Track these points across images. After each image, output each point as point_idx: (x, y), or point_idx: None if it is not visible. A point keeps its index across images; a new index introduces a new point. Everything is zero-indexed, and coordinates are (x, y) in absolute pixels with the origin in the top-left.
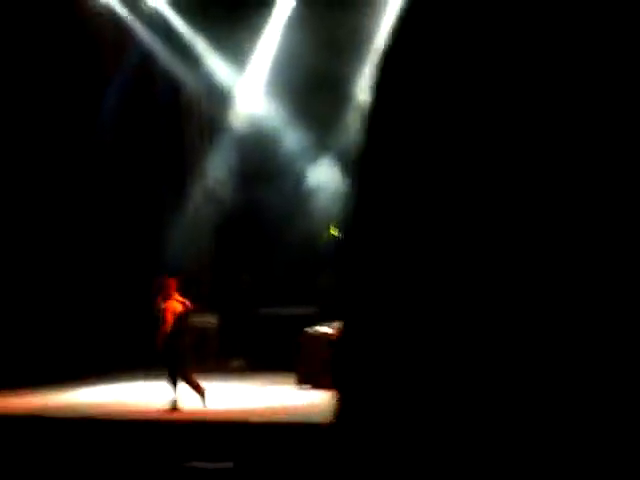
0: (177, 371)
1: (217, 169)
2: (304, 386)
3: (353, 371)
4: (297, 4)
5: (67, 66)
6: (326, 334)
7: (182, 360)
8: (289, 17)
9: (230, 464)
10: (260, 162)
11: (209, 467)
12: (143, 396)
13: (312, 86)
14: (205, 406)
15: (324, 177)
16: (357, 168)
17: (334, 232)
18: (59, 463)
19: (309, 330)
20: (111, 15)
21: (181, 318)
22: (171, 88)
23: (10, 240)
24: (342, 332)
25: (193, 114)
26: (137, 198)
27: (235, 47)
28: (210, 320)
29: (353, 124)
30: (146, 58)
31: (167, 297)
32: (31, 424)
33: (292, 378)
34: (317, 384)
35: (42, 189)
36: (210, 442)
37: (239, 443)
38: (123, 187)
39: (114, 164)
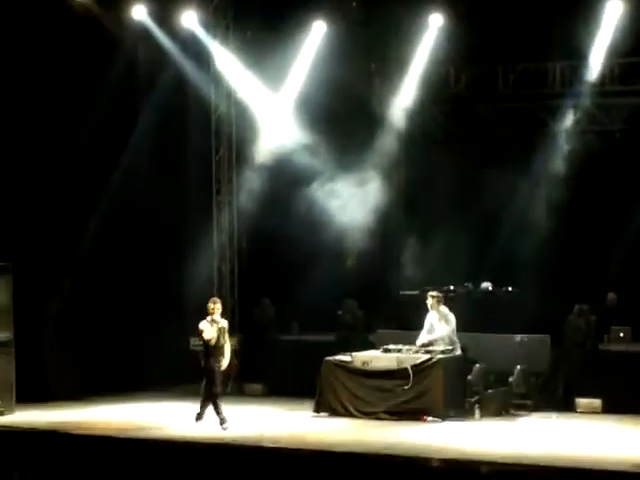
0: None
1: (245, 193)
2: (321, 414)
3: None
4: (330, 30)
5: (102, 86)
6: (346, 363)
7: None
8: (323, 41)
9: None
10: (287, 186)
11: None
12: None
13: (343, 108)
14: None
15: (352, 201)
16: None
17: (353, 259)
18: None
19: (329, 358)
20: (145, 35)
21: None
22: (202, 111)
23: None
24: None
25: (223, 137)
26: (164, 218)
27: (268, 70)
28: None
29: (385, 146)
30: (179, 79)
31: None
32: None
33: (310, 405)
34: (334, 412)
35: (71, 207)
36: (223, 465)
37: (252, 467)
38: (151, 207)
39: (145, 184)
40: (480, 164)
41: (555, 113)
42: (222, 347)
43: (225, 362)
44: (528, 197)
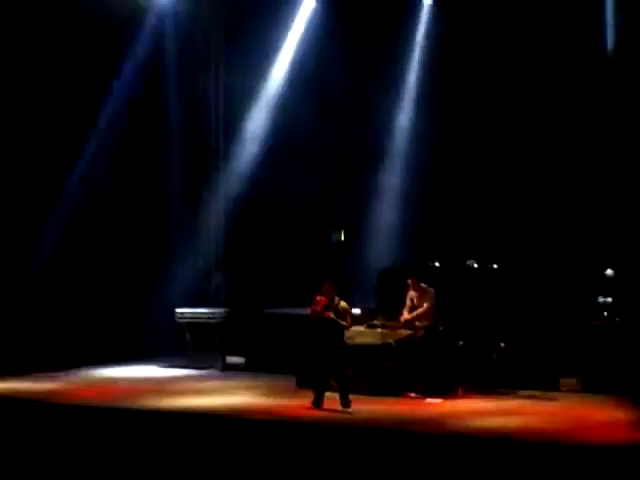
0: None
1: (231, 171)
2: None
3: None
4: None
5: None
6: None
7: None
8: (310, 20)
9: None
10: (273, 163)
11: None
12: None
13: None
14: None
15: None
16: None
17: (340, 234)
18: None
19: None
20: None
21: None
22: (187, 87)
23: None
24: None
25: (210, 115)
26: (149, 196)
27: (255, 49)
28: (216, 315)
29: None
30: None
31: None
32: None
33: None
34: None
35: (49, 184)
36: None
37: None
38: (135, 183)
39: (126, 160)
40: None
41: None
42: None
43: None
44: None
